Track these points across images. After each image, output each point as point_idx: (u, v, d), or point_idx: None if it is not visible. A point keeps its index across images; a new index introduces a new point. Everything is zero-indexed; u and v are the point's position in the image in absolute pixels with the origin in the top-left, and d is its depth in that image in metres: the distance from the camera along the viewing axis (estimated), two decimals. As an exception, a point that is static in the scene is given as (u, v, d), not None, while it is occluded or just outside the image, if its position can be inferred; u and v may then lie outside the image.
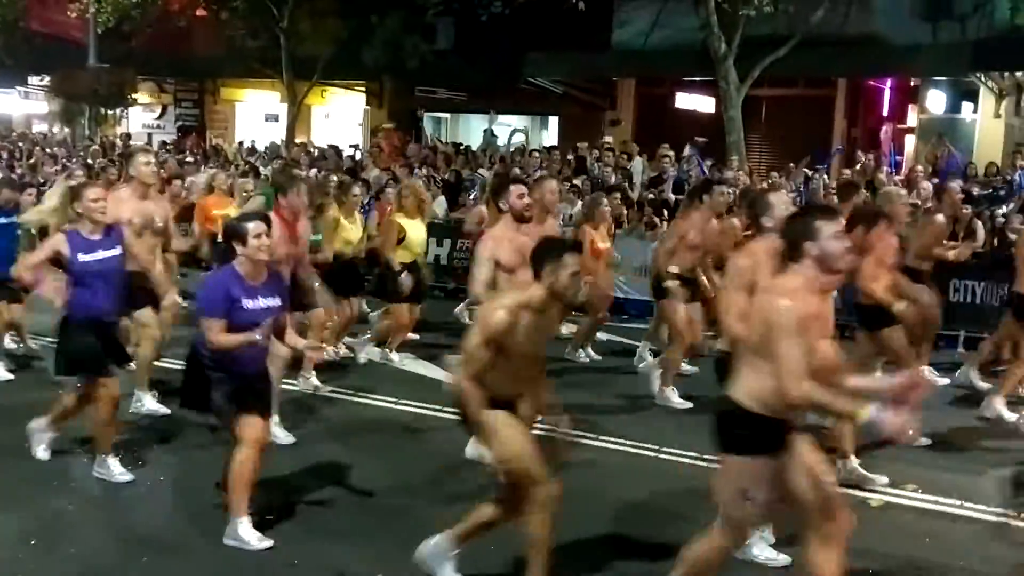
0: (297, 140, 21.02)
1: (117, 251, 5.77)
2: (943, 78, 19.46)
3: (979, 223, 11.37)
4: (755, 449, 3.79)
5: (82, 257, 5.60)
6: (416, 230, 8.90)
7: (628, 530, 5.37)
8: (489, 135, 19.57)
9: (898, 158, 17.25)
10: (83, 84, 21.94)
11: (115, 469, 5.78)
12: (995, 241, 11.39)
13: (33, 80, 25.53)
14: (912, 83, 20.46)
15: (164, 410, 7.07)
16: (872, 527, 5.46)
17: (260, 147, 20.07)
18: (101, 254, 5.66)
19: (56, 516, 5.33)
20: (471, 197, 13.34)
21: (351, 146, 18.73)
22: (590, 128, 20.84)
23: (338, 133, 23.25)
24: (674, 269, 7.79)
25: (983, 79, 18.51)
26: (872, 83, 20.38)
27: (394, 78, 22.10)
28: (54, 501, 5.52)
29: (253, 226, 4.85)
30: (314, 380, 7.90)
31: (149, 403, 7.15)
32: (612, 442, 6.87)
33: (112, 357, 5.79)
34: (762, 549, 4.88)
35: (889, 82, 20.46)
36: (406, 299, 8.76)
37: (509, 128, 19.54)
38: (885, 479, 6.11)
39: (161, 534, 5.15)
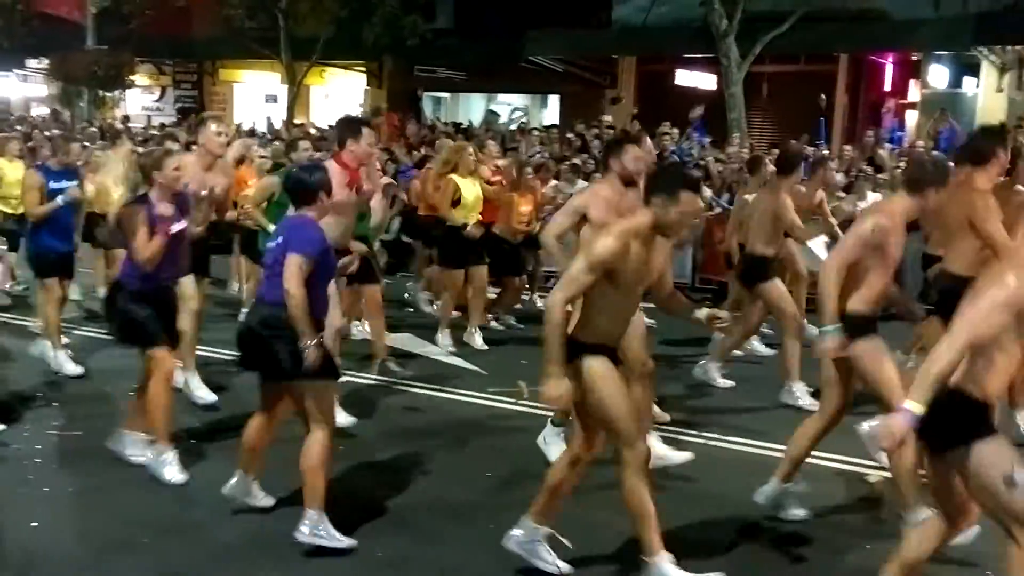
0: (296, 121, 20.96)
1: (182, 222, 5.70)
2: (945, 53, 19.37)
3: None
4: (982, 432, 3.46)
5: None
6: (470, 190, 8.87)
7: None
8: (489, 114, 19.51)
9: (899, 133, 17.19)
10: (81, 66, 21.85)
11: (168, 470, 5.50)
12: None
13: (31, 63, 25.45)
14: (914, 58, 20.36)
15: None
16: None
17: (260, 128, 20.02)
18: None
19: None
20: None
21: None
22: (591, 106, 20.77)
23: (338, 113, 23.13)
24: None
25: (985, 53, 18.42)
26: (874, 58, 20.28)
27: (393, 58, 22.01)
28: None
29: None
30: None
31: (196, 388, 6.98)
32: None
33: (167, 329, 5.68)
34: None
35: (891, 57, 20.37)
36: (470, 262, 8.76)
37: (510, 107, 19.50)
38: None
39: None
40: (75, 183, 7.68)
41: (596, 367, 4.08)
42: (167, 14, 22.62)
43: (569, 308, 4.11)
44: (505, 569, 4.51)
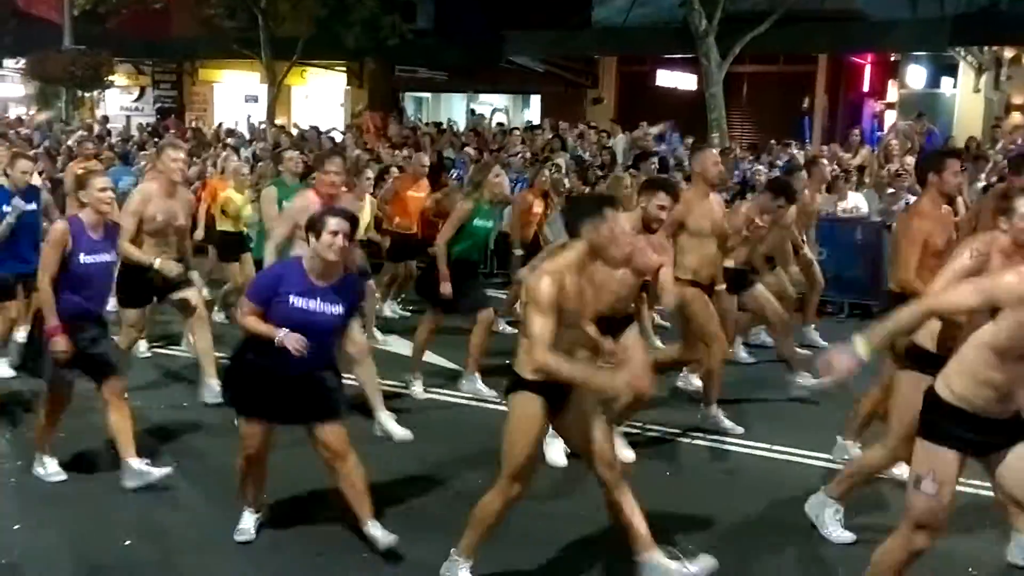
0: (277, 121, 20.89)
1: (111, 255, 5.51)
2: (923, 53, 19.55)
3: (960, 199, 11.42)
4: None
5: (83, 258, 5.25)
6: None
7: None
8: (471, 114, 19.52)
9: (879, 134, 17.32)
10: (59, 66, 21.65)
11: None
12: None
13: (8, 63, 25.23)
14: (892, 58, 20.53)
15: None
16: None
17: (241, 128, 19.93)
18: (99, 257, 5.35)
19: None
20: (453, 177, 13.28)
21: (339, 130, 18.54)
22: (572, 106, 20.83)
23: (319, 114, 23.11)
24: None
25: (962, 54, 18.61)
26: (853, 59, 20.43)
27: (374, 58, 21.97)
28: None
29: (334, 221, 4.40)
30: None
31: None
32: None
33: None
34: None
35: (869, 57, 20.53)
36: None
37: (491, 107, 19.50)
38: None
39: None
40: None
41: (520, 404, 4.11)
42: (145, 13, 22.48)
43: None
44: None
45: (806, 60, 19.80)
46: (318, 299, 4.43)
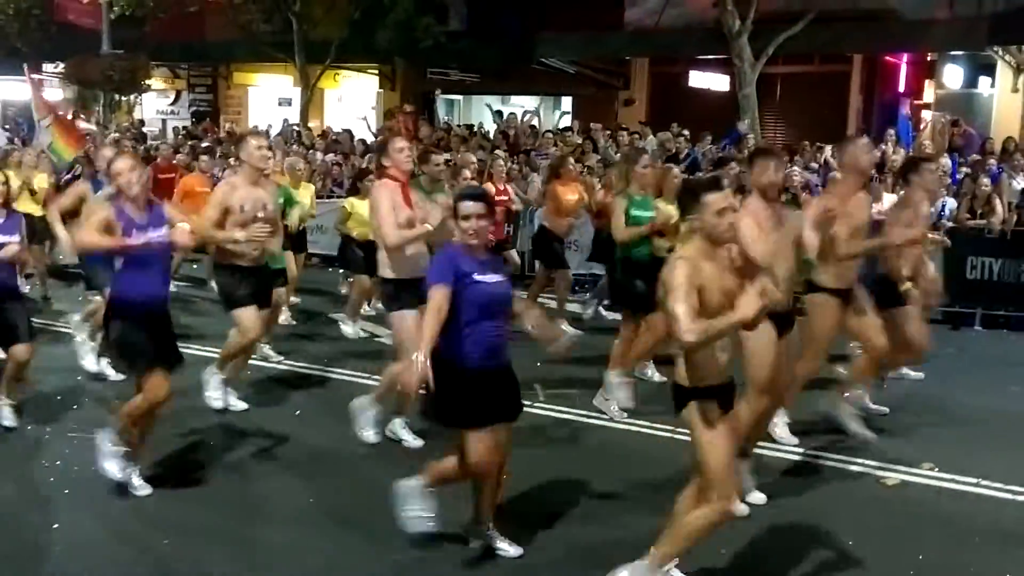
0: (310, 124, 21.03)
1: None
2: (960, 52, 19.28)
3: (998, 199, 11.29)
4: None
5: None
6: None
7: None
8: (497, 116, 19.54)
9: (914, 134, 17.11)
10: (97, 71, 21.97)
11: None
12: (1016, 218, 11.29)
13: (48, 67, 25.61)
14: (928, 58, 20.28)
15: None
16: (889, 507, 5.47)
17: (274, 131, 20.09)
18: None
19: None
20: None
21: (372, 132, 18.63)
22: (604, 108, 20.78)
23: (351, 116, 23.24)
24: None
25: (1000, 53, 18.33)
26: (888, 58, 20.21)
27: (406, 60, 22.05)
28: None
29: (466, 204, 4.42)
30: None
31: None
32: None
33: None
34: None
35: (905, 57, 20.29)
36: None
37: (520, 109, 19.49)
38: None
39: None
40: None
41: (698, 415, 4.04)
42: (181, 18, 22.73)
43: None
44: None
45: (840, 60, 19.61)
46: (489, 271, 4.44)
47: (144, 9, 22.67)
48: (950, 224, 10.82)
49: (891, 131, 14.99)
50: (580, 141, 15.34)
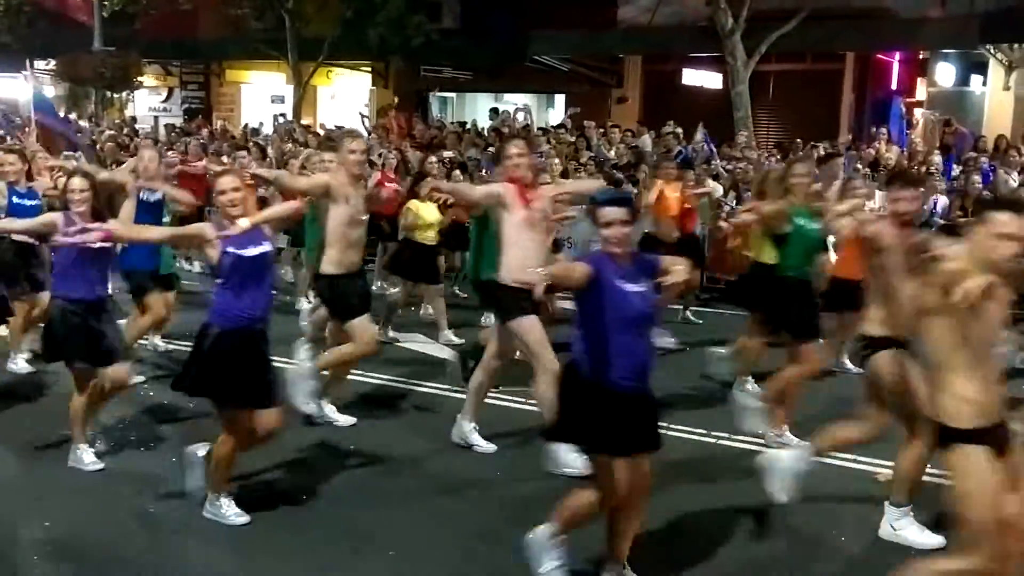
0: (303, 121, 21.00)
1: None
2: (952, 51, 19.35)
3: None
4: None
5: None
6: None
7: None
8: (493, 114, 19.50)
9: (908, 132, 17.16)
10: (89, 68, 21.88)
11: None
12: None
13: (39, 64, 25.50)
14: (921, 56, 20.34)
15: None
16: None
17: (268, 129, 20.05)
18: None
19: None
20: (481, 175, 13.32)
21: (366, 128, 18.60)
22: (597, 106, 20.78)
23: (344, 114, 23.22)
24: None
25: (992, 51, 18.39)
26: (880, 56, 20.26)
27: (399, 58, 22.03)
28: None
29: (606, 211, 4.13)
30: None
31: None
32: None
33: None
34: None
35: (897, 55, 20.34)
36: None
37: (514, 106, 19.45)
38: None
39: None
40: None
41: (964, 460, 3.63)
42: (174, 15, 22.66)
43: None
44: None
45: (833, 58, 19.66)
46: (631, 281, 4.09)
47: (136, 6, 22.61)
48: (942, 222, 10.85)
49: (883, 129, 15.04)
50: (573, 139, 15.35)
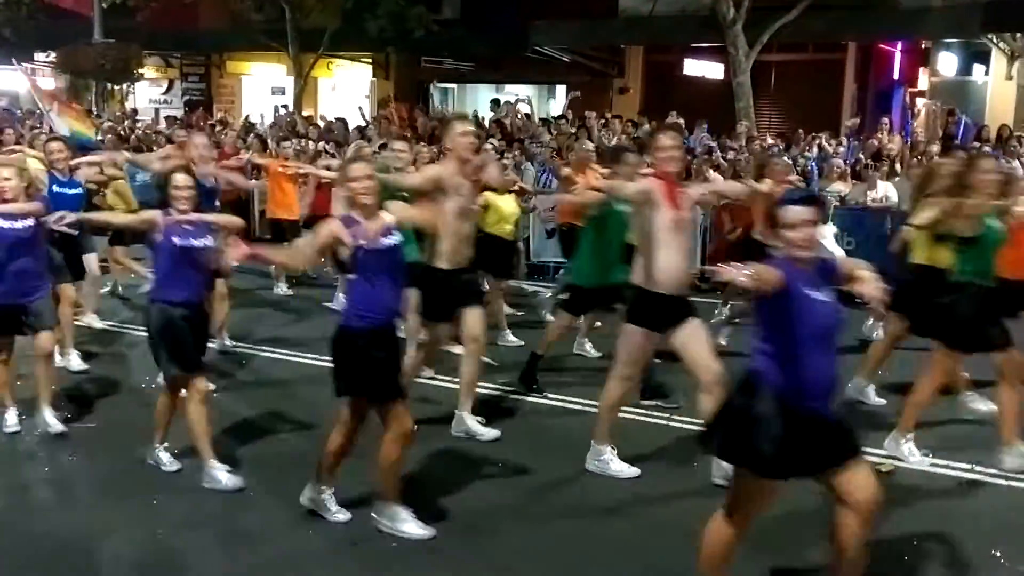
0: (304, 113, 20.96)
1: None
2: (954, 40, 19.29)
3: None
4: None
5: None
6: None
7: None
8: (495, 105, 19.47)
9: (911, 122, 17.13)
10: (89, 60, 21.83)
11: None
12: None
13: (39, 56, 25.47)
14: (923, 46, 20.28)
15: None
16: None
17: (268, 120, 20.02)
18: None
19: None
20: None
21: (365, 119, 18.60)
22: (599, 96, 20.74)
23: (345, 105, 23.19)
24: None
25: (995, 40, 18.35)
26: (882, 46, 20.20)
27: (400, 49, 21.98)
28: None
29: (795, 211, 3.73)
30: None
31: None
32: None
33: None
34: None
35: (900, 45, 20.29)
36: None
37: (515, 97, 19.42)
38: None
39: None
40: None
41: None
42: (174, 6, 22.60)
43: None
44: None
45: (835, 48, 19.61)
46: (817, 289, 3.74)
47: (136, -2, 22.57)
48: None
49: (885, 119, 15.01)
50: (575, 130, 15.31)
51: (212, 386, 6.12)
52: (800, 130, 14.85)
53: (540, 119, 17.31)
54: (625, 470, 5.63)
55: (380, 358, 4.69)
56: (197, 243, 5.33)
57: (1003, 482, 5.71)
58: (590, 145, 10.25)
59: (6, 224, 5.94)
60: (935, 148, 12.77)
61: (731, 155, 12.88)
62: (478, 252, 7.90)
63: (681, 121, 15.23)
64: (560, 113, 19.06)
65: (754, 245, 7.31)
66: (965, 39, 18.81)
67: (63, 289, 7.35)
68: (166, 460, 5.66)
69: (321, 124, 18.42)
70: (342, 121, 17.75)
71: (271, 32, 21.53)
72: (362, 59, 23.98)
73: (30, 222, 6.01)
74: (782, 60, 19.27)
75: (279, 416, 6.68)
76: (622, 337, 5.47)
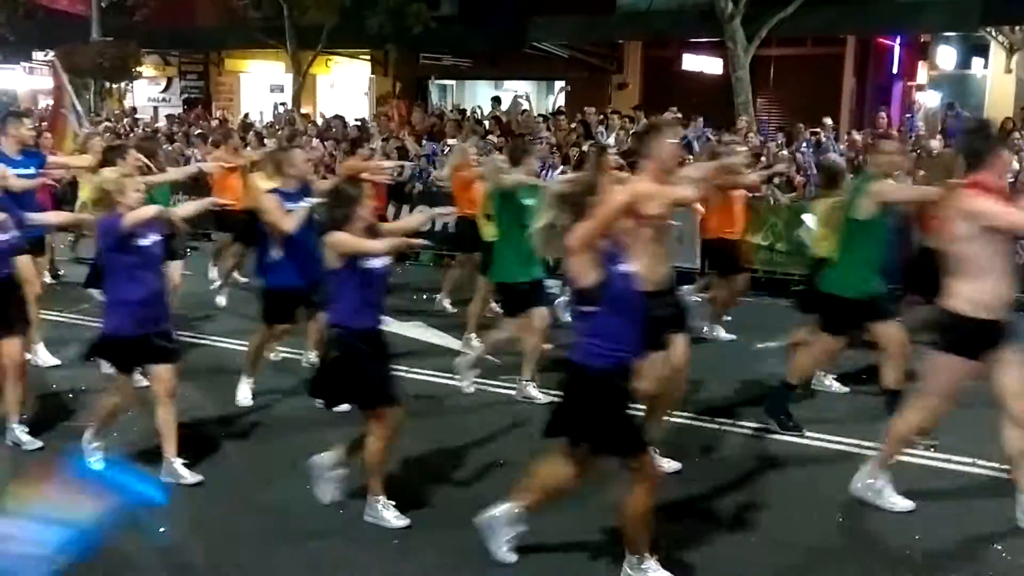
0: (303, 110, 20.95)
1: None
2: (953, 33, 19.26)
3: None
4: None
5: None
6: None
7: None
8: (494, 101, 19.47)
9: (908, 116, 17.13)
10: (87, 58, 21.83)
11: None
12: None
13: (37, 55, 25.46)
14: (922, 39, 20.26)
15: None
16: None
17: (267, 118, 20.01)
18: None
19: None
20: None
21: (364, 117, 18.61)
22: (597, 92, 20.72)
23: (344, 102, 23.17)
24: None
25: (993, 34, 18.33)
26: (881, 40, 20.18)
27: (398, 46, 21.97)
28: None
29: None
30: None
31: None
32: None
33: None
34: None
35: (898, 39, 20.26)
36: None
37: (513, 93, 19.44)
38: None
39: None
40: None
41: None
42: (171, 5, 22.59)
43: None
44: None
45: (834, 42, 19.57)
46: None
47: (134, -4, 22.55)
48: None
49: (883, 113, 14.99)
50: (573, 125, 15.30)
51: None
52: (800, 124, 14.81)
53: (539, 115, 17.29)
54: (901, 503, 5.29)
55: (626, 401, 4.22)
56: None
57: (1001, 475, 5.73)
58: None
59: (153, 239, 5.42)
60: (933, 143, 12.75)
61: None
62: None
63: (679, 116, 15.26)
64: (559, 108, 19.08)
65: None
66: (964, 32, 18.78)
67: None
68: (389, 516, 5.05)
69: (320, 121, 18.40)
70: (340, 119, 17.74)
71: (269, 29, 21.52)
72: (361, 56, 23.96)
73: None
74: (781, 54, 19.24)
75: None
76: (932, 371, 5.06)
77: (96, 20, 22.00)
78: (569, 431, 4.25)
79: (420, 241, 5.40)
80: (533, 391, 7.02)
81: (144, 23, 22.99)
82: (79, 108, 12.47)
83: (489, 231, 7.91)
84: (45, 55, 24.15)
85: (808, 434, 6.34)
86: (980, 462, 5.86)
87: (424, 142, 14.76)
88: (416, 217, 5.68)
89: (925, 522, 5.09)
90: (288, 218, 6.36)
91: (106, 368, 5.96)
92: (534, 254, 6.34)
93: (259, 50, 23.58)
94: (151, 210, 5.34)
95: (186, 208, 6.04)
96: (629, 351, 4.13)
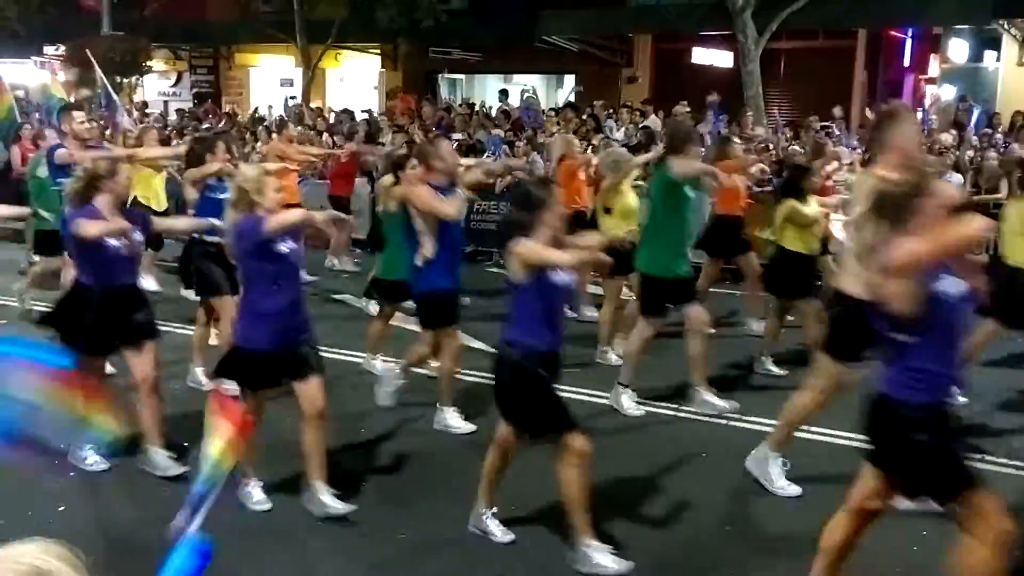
0: (312, 104, 20.97)
1: None
2: (965, 26, 19.14)
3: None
4: None
5: None
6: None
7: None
8: (503, 95, 19.45)
9: (920, 110, 17.01)
10: (98, 53, 21.89)
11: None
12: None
13: (48, 50, 25.53)
14: (934, 32, 20.14)
15: None
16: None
17: (276, 112, 20.02)
18: None
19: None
20: (487, 157, 13.28)
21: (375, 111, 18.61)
22: (607, 86, 20.67)
23: (353, 96, 23.18)
24: None
25: (1006, 26, 18.19)
26: (893, 33, 20.06)
27: (408, 40, 21.95)
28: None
29: None
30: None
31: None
32: None
33: None
34: None
35: (910, 31, 20.15)
36: None
37: (522, 87, 19.41)
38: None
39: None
40: None
41: None
42: (182, -1, 22.66)
43: None
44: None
45: (845, 35, 19.47)
46: None
47: (144, -10, 22.61)
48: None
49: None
50: (583, 118, 15.27)
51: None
52: (811, 118, 14.76)
53: (551, 109, 17.26)
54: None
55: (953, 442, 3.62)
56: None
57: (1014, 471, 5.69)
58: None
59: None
60: (944, 137, 12.69)
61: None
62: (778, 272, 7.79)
63: (688, 110, 15.21)
64: (568, 101, 19.04)
65: None
66: (976, 25, 18.65)
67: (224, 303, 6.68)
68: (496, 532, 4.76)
69: (331, 117, 18.40)
70: (348, 113, 17.75)
71: (279, 23, 21.54)
72: (370, 50, 23.96)
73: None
74: (792, 47, 19.16)
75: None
76: None
77: (107, 14, 22.05)
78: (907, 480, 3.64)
79: (607, 258, 4.99)
80: (625, 401, 6.70)
81: (155, 17, 23.06)
82: (116, 100, 12.33)
83: (608, 223, 7.58)
84: (55, 49, 24.22)
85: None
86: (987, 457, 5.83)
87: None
88: (597, 237, 5.09)
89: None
90: (447, 204, 5.87)
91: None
92: (687, 248, 6.41)
93: (269, 44, 23.62)
94: (296, 214, 4.91)
95: (323, 215, 5.49)
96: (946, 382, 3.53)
